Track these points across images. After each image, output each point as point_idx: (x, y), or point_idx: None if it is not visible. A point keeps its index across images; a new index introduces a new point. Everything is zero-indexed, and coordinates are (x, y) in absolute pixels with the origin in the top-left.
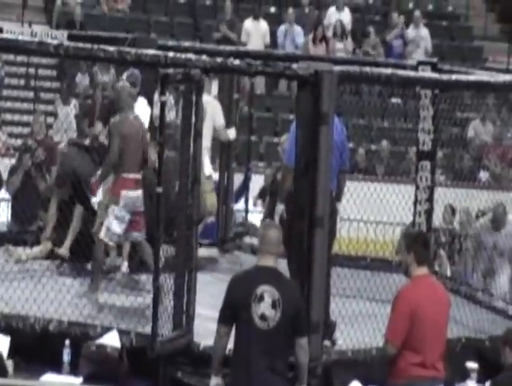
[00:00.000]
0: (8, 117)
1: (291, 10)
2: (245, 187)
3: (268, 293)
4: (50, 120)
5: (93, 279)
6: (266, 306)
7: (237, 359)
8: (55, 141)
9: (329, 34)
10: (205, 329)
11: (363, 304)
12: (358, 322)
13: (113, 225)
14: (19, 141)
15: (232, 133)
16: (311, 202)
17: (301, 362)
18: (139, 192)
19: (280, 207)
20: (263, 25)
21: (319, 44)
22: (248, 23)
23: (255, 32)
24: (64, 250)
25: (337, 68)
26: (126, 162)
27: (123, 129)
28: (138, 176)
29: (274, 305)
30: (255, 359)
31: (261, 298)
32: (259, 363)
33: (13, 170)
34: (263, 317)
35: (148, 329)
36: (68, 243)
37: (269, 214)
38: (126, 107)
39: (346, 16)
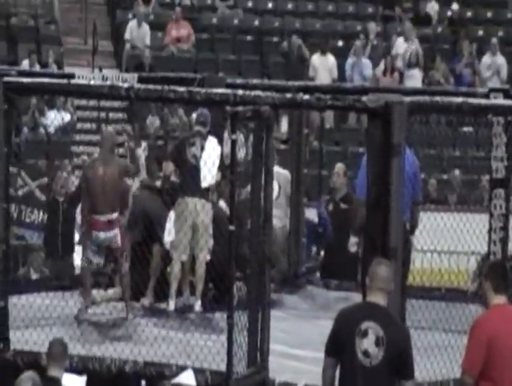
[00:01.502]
0: (81, 161)
1: (358, 43)
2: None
3: (372, 329)
4: None
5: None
6: (369, 343)
7: None
8: (126, 184)
9: (398, 64)
10: (280, 365)
11: (439, 335)
12: (434, 353)
13: (91, 256)
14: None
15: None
16: (384, 233)
17: None
18: (110, 233)
19: (353, 240)
20: (330, 59)
21: (388, 75)
22: (315, 58)
23: (322, 67)
24: (146, 300)
25: (407, 99)
26: (93, 204)
27: (87, 172)
28: (111, 217)
29: (377, 343)
30: None
31: (365, 334)
32: None
33: None
34: (366, 353)
35: (223, 366)
36: (150, 288)
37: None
38: (105, 150)
39: (415, 45)
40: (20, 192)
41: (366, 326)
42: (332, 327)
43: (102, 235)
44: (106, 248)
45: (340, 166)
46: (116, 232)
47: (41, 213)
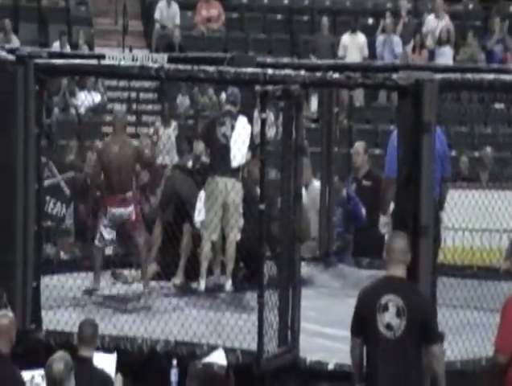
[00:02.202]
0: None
1: (388, 20)
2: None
3: (392, 302)
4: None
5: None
6: (390, 316)
7: (368, 370)
8: (158, 164)
9: (428, 41)
10: (310, 344)
11: (470, 313)
12: (466, 331)
13: (104, 232)
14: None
15: None
16: (414, 211)
17: (435, 370)
18: (123, 210)
19: (383, 220)
20: (360, 37)
21: (418, 53)
22: (345, 37)
23: (352, 45)
24: (177, 279)
25: (438, 76)
26: (108, 184)
27: (102, 154)
28: (127, 195)
29: (398, 314)
30: (385, 368)
31: (385, 308)
32: (390, 372)
33: None
34: (389, 326)
35: (254, 346)
36: (181, 268)
37: None
38: (118, 130)
39: (446, 23)
40: (46, 182)
41: (386, 299)
42: (355, 307)
43: (118, 211)
44: (120, 223)
45: (359, 145)
46: (131, 209)
47: (64, 206)
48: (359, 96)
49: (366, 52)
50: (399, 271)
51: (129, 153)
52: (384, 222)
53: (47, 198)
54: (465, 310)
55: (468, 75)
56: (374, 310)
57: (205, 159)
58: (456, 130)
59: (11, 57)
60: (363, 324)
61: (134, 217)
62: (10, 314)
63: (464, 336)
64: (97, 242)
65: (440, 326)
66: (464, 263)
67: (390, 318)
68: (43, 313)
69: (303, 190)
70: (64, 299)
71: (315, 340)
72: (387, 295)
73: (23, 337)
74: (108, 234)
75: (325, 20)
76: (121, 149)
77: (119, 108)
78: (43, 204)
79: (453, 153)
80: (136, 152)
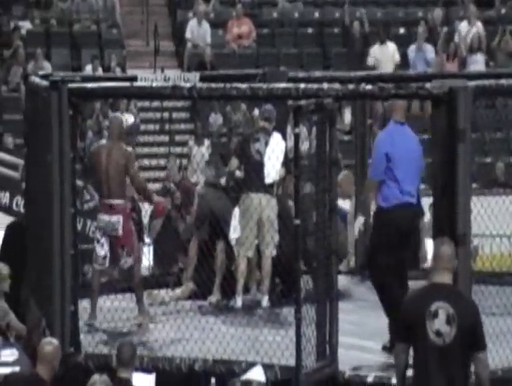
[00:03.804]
0: (145, 162)
1: (421, 29)
2: None
3: (442, 309)
4: (184, 161)
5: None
6: (440, 323)
7: (416, 377)
8: (192, 183)
9: (462, 48)
10: (349, 357)
11: (511, 321)
12: (507, 339)
13: (98, 249)
14: (157, 186)
15: None
16: (451, 220)
17: (481, 377)
18: (111, 217)
19: (361, 220)
20: (391, 46)
21: (451, 60)
22: (374, 49)
23: (382, 56)
24: (213, 297)
25: (472, 84)
26: (101, 188)
27: (92, 157)
28: (114, 202)
29: (448, 321)
30: (434, 375)
31: (435, 315)
32: (438, 379)
33: (153, 215)
34: (438, 333)
35: (292, 361)
36: (217, 286)
37: None
38: (113, 136)
39: (477, 30)
40: (86, 206)
41: (436, 306)
42: (401, 313)
43: (105, 218)
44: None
45: None
46: (118, 219)
47: None
48: None
49: (398, 59)
50: (446, 278)
51: (120, 162)
52: (360, 223)
53: (88, 221)
54: (505, 318)
55: (503, 81)
56: (424, 316)
57: (239, 174)
58: (492, 136)
59: (45, 83)
60: (411, 330)
61: (120, 230)
62: (56, 341)
63: (504, 344)
64: (94, 263)
65: None
66: (502, 270)
67: (440, 325)
68: (81, 336)
69: (346, 203)
70: (101, 322)
71: (353, 353)
72: (437, 302)
73: (62, 360)
74: (100, 249)
75: (356, 24)
76: (111, 155)
77: (119, 115)
78: (82, 228)
79: (489, 159)
80: (128, 159)
